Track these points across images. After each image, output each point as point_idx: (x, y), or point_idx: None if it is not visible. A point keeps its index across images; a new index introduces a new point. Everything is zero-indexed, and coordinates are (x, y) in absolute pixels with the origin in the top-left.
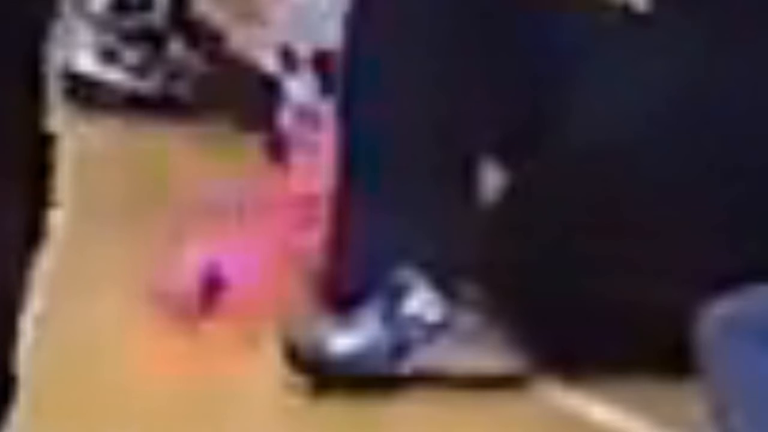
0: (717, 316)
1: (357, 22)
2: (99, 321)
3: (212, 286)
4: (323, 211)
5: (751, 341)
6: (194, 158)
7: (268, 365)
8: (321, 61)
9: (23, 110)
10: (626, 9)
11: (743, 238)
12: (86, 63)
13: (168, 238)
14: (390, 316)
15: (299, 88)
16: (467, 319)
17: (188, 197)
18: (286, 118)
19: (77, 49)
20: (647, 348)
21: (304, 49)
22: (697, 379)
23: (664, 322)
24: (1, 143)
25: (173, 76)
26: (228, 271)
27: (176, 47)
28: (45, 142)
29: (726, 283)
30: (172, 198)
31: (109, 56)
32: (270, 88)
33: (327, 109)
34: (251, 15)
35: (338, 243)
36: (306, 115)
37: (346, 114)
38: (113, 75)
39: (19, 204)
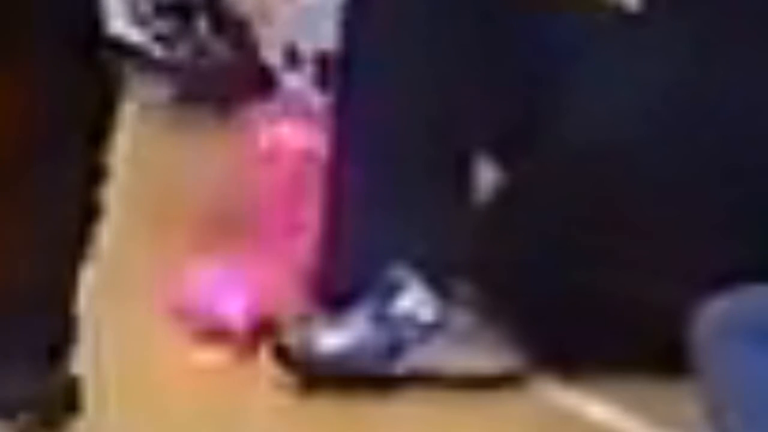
0: (712, 316)
1: (353, 20)
2: None
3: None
4: (316, 209)
5: (747, 340)
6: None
7: (259, 365)
8: (324, 61)
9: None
10: (619, 9)
11: (738, 238)
12: (116, 25)
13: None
14: (382, 315)
15: (297, 81)
16: (461, 319)
17: (201, 208)
18: (278, 106)
19: (111, 15)
20: (644, 347)
21: (308, 49)
22: (693, 378)
23: (661, 322)
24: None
25: (200, 52)
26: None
27: (203, 25)
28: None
29: (721, 282)
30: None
31: (141, 23)
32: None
33: (322, 105)
34: (262, 14)
35: (331, 241)
36: (297, 102)
37: (341, 111)
38: (144, 41)
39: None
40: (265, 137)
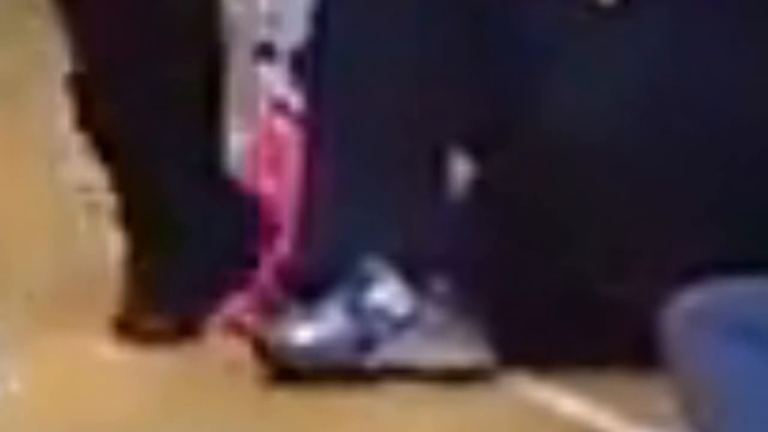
0: (684, 309)
1: (327, 12)
2: None
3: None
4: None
5: (718, 334)
6: None
7: (232, 355)
8: (298, 54)
9: None
10: (594, 3)
11: (711, 231)
12: None
13: None
14: (356, 307)
15: (275, 79)
16: (435, 312)
17: None
18: (263, 110)
19: None
20: (616, 341)
21: (281, 42)
22: (665, 372)
23: (633, 315)
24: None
25: None
26: None
27: None
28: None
29: (693, 275)
30: None
31: None
32: None
33: (297, 100)
34: None
35: (306, 233)
36: (281, 108)
37: (315, 104)
38: None
39: None
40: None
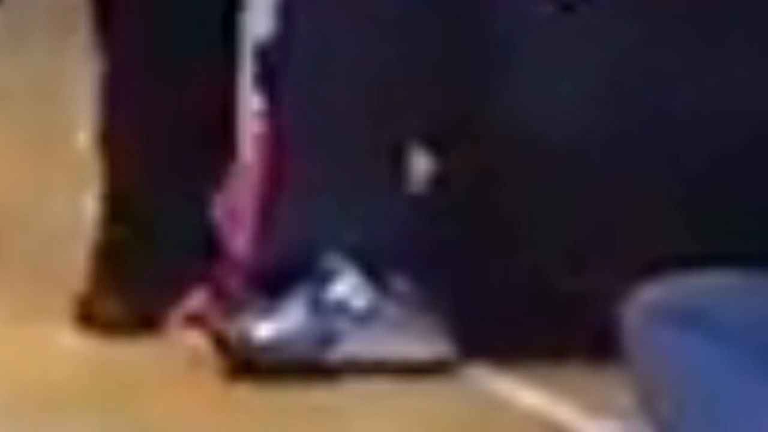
0: (643, 303)
1: (293, 7)
2: None
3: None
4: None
5: (676, 328)
6: None
7: (193, 350)
8: (261, 48)
9: None
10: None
11: (669, 226)
12: None
13: None
14: (317, 302)
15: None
16: (396, 306)
17: None
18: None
19: None
20: (575, 335)
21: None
22: (624, 365)
23: (592, 310)
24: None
25: None
26: None
27: None
28: None
29: (652, 270)
30: None
31: None
32: None
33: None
34: None
35: (267, 227)
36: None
37: (277, 99)
38: None
39: None
40: None
